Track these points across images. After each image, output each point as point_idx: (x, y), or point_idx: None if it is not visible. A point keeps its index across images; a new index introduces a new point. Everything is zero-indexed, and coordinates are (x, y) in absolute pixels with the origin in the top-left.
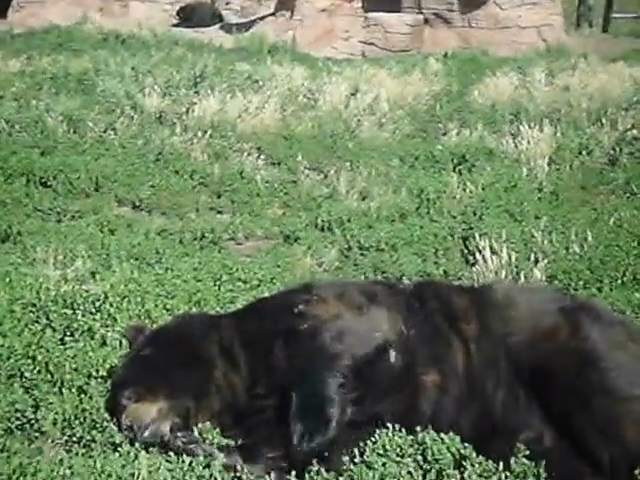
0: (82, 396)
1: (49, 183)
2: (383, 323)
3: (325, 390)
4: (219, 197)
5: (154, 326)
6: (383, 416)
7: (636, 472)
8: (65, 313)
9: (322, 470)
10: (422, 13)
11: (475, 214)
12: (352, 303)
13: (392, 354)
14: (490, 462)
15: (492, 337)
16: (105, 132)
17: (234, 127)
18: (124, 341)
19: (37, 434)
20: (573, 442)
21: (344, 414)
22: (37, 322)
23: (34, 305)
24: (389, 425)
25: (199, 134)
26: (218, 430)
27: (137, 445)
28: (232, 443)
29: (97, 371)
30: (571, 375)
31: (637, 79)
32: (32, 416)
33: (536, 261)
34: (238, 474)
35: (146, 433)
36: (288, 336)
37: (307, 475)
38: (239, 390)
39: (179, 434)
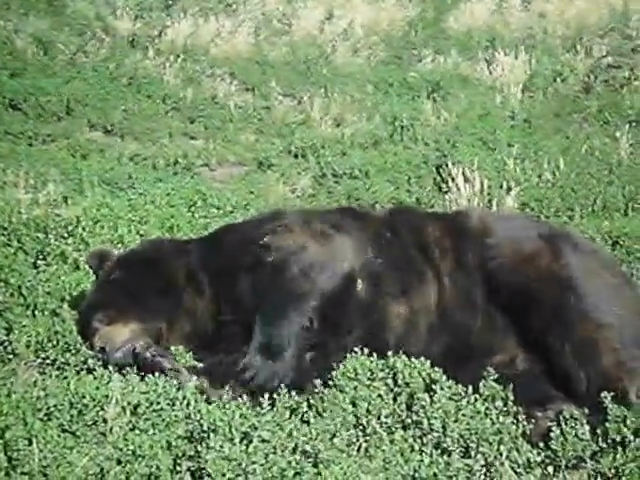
0: (55, 319)
1: (19, 106)
2: (349, 251)
3: (289, 332)
4: (192, 122)
5: (121, 251)
6: (350, 346)
7: (604, 394)
8: (37, 237)
9: (292, 393)
10: None
11: (449, 142)
12: (318, 232)
13: (359, 283)
14: (459, 386)
15: (467, 265)
16: (76, 54)
17: (207, 52)
18: (87, 267)
19: (11, 356)
20: (548, 365)
21: (303, 358)
22: (9, 245)
23: (5, 228)
24: (359, 350)
25: (172, 58)
26: (190, 354)
27: (110, 368)
28: (202, 366)
29: (70, 294)
30: (551, 300)
31: (613, 6)
32: (5, 338)
33: (508, 189)
34: (204, 394)
35: (118, 354)
36: (254, 267)
37: (278, 398)
38: (205, 315)
39: (149, 348)
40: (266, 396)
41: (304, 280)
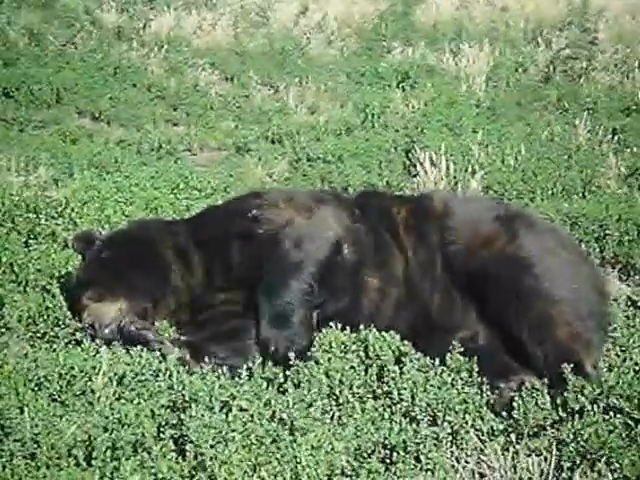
0: (45, 295)
1: (12, 94)
2: (332, 221)
3: (293, 299)
4: (175, 110)
5: (106, 232)
6: (334, 315)
7: (564, 366)
8: (29, 217)
9: (270, 364)
10: None
11: (417, 128)
12: (301, 206)
13: (345, 248)
14: (427, 358)
15: (430, 245)
16: (65, 46)
17: (189, 43)
18: (72, 250)
19: (3, 330)
20: (507, 340)
21: (311, 319)
22: (2, 225)
23: None
24: (333, 324)
25: (155, 49)
26: (174, 328)
27: (98, 341)
28: (184, 339)
29: (60, 272)
30: (508, 279)
31: (572, 1)
32: None
33: (473, 172)
34: (185, 366)
35: (106, 330)
36: (245, 239)
37: (257, 369)
38: (192, 291)
39: (135, 323)
40: (244, 367)
41: (297, 251)
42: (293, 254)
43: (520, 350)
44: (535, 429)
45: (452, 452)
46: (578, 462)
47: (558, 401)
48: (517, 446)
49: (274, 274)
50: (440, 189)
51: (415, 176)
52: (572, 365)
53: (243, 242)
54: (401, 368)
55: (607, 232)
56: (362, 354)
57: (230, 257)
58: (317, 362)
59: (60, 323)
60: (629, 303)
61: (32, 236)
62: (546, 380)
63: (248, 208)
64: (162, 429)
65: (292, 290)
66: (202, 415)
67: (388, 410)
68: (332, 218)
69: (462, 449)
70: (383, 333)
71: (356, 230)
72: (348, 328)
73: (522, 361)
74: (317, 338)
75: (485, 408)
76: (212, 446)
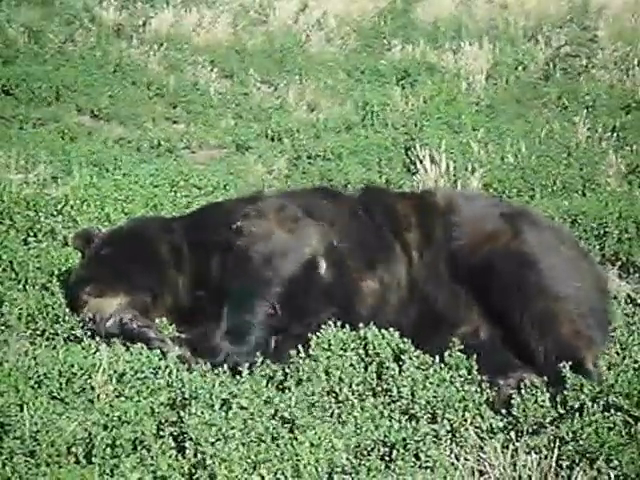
0: (45, 292)
1: (11, 91)
2: (313, 237)
3: (252, 319)
4: (174, 107)
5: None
6: (324, 322)
7: (562, 365)
8: (28, 215)
9: (269, 362)
10: None
11: (416, 126)
12: (287, 218)
13: (322, 266)
14: (427, 355)
15: (434, 241)
16: (65, 43)
17: (189, 40)
18: (72, 247)
19: (3, 328)
20: (509, 336)
21: (267, 342)
22: (1, 223)
23: None
24: (332, 322)
25: (155, 47)
26: (174, 325)
27: (98, 338)
28: (184, 337)
29: (59, 269)
30: (511, 275)
31: None
32: None
33: (473, 170)
34: (186, 364)
35: (108, 324)
36: (224, 249)
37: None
38: (186, 290)
39: (136, 320)
40: (245, 365)
41: (266, 267)
42: (262, 271)
43: (521, 346)
44: (534, 427)
45: (451, 449)
46: (577, 460)
47: (558, 399)
48: (516, 444)
49: (240, 288)
50: (440, 186)
51: (415, 174)
52: (574, 362)
53: (222, 254)
54: (400, 366)
55: (607, 230)
56: (361, 352)
57: (209, 268)
58: (316, 360)
59: (60, 320)
60: (629, 301)
61: (31, 234)
62: (545, 378)
63: (236, 217)
64: (162, 427)
65: (255, 311)
66: (202, 413)
67: (387, 408)
68: (314, 233)
69: (461, 447)
70: (382, 331)
71: (345, 243)
72: (347, 326)
73: (523, 357)
74: (316, 336)
75: (484, 406)
76: (212, 444)
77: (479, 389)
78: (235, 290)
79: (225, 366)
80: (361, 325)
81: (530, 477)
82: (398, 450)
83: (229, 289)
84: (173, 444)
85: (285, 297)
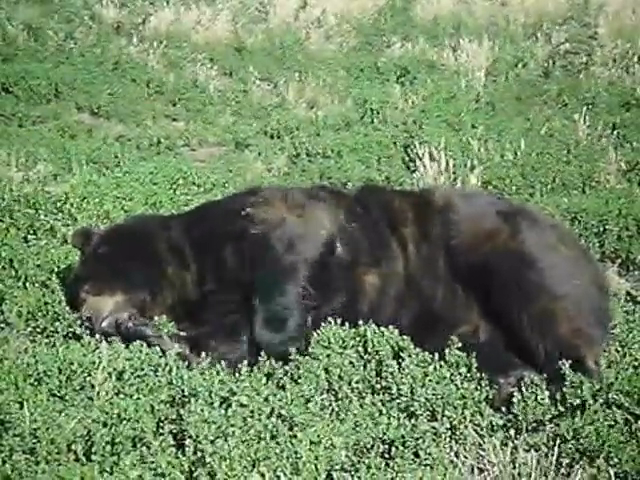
0: (45, 290)
1: (10, 89)
2: (325, 219)
3: (288, 303)
4: (174, 105)
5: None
6: (330, 315)
7: (562, 362)
8: (28, 213)
9: (269, 361)
10: None
11: (416, 123)
12: (295, 204)
13: (338, 246)
14: (426, 353)
15: (432, 240)
16: (64, 41)
17: (188, 38)
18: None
19: (3, 325)
20: (508, 335)
21: (306, 322)
22: (1, 221)
23: None
24: (332, 320)
25: (155, 44)
26: (173, 323)
27: (97, 336)
28: (184, 334)
29: (59, 267)
30: (510, 274)
31: None
32: None
33: (472, 168)
34: (185, 361)
35: (105, 323)
36: (239, 238)
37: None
38: (189, 286)
39: (132, 318)
40: (244, 362)
41: (290, 252)
42: (286, 256)
43: (521, 344)
44: (534, 424)
45: (451, 447)
46: (577, 457)
47: (557, 396)
48: (516, 441)
49: (269, 277)
50: (439, 184)
51: (414, 171)
52: (574, 361)
53: (236, 243)
54: (400, 363)
55: (607, 227)
56: (361, 349)
57: (224, 259)
58: (316, 357)
59: (59, 318)
60: (628, 298)
61: (31, 231)
62: (545, 376)
63: (242, 206)
64: (161, 424)
65: (288, 294)
66: (201, 410)
67: (387, 405)
68: (325, 216)
69: (461, 444)
70: (382, 328)
71: (350, 228)
72: (347, 324)
73: (522, 356)
74: (315, 334)
75: (484, 403)
76: (211, 441)
77: (479, 387)
78: (262, 279)
79: (223, 364)
80: (360, 322)
81: (530, 475)
82: (397, 448)
83: (255, 279)
84: (173, 442)
85: (312, 278)
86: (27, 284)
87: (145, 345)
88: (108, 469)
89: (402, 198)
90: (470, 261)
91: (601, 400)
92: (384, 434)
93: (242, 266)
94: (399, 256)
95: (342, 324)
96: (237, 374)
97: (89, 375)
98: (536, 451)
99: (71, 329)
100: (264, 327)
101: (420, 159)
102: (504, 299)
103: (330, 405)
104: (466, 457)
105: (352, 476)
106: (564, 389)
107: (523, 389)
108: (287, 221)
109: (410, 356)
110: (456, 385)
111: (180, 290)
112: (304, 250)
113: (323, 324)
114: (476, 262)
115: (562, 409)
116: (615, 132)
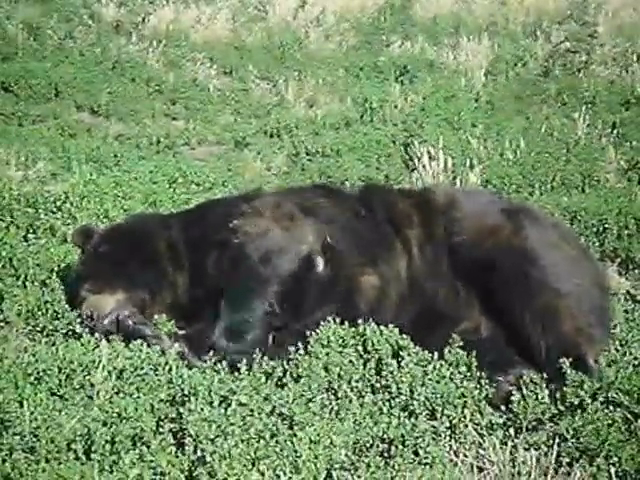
0: (44, 289)
1: (10, 88)
2: (309, 234)
3: (251, 317)
4: (174, 104)
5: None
6: (322, 319)
7: (563, 360)
8: (28, 212)
9: (268, 359)
10: None
11: (415, 122)
12: (284, 216)
13: (319, 263)
14: (426, 352)
15: (434, 238)
16: (64, 40)
17: (187, 37)
18: (71, 244)
19: (2, 324)
20: (510, 331)
21: (266, 339)
22: (1, 220)
23: None
24: (331, 319)
25: (154, 43)
26: (172, 322)
27: (97, 335)
28: (181, 332)
29: (58, 266)
30: (513, 271)
31: None
32: None
33: (472, 166)
34: (183, 360)
35: (105, 321)
36: (221, 247)
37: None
38: (184, 286)
39: (132, 316)
40: (244, 362)
41: (264, 265)
42: (259, 270)
43: (522, 341)
44: (534, 423)
45: (451, 446)
46: (577, 456)
47: (557, 395)
48: (516, 440)
49: (238, 287)
50: (440, 183)
51: (414, 170)
52: (575, 359)
53: (218, 252)
54: (399, 362)
55: (606, 226)
56: (360, 348)
57: (206, 266)
58: (315, 356)
59: (59, 317)
60: (628, 297)
61: (31, 230)
62: (545, 374)
63: (232, 215)
64: (161, 423)
65: (253, 309)
66: (201, 409)
67: (387, 404)
68: (311, 230)
69: (461, 443)
70: (381, 327)
71: (343, 239)
72: (346, 323)
73: (523, 354)
74: (315, 333)
75: (484, 402)
76: (211, 440)
77: (478, 386)
78: (232, 288)
79: (224, 363)
80: (360, 321)
81: (529, 473)
82: (397, 446)
83: (226, 287)
84: (172, 440)
85: (283, 295)
86: (27, 283)
87: (145, 344)
88: (108, 468)
89: (405, 199)
90: (473, 257)
91: (601, 399)
92: (384, 433)
93: (220, 275)
94: (402, 257)
95: (342, 322)
96: (237, 373)
97: (89, 374)
98: (536, 450)
99: (71, 328)
100: (222, 334)
101: (420, 158)
102: (506, 295)
103: (330, 404)
104: (466, 456)
105: (352, 475)
106: (564, 388)
107: (523, 388)
108: (270, 233)
109: (410, 355)
110: (456, 384)
111: (178, 289)
112: (279, 264)
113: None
114: (479, 258)
115: (562, 408)
116: (615, 131)
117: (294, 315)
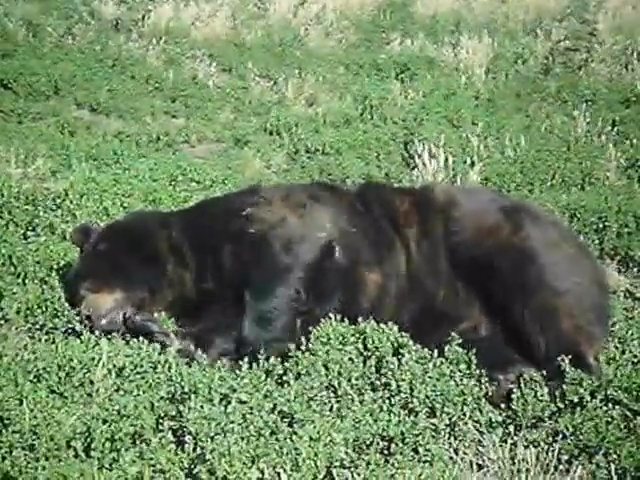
0: (44, 287)
1: (10, 85)
2: (326, 222)
3: (278, 305)
4: (173, 102)
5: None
6: (329, 313)
7: (562, 358)
8: (27, 209)
9: (269, 358)
10: None
11: (415, 120)
12: (296, 204)
13: (337, 250)
14: (426, 350)
15: (433, 237)
16: (63, 37)
17: (187, 34)
18: (70, 242)
19: (2, 322)
20: (509, 330)
21: (294, 325)
22: (0, 217)
23: None
24: (332, 316)
25: (154, 41)
26: (173, 320)
27: (97, 333)
28: (185, 330)
29: (58, 264)
30: (512, 270)
31: None
32: None
33: (472, 164)
34: (190, 357)
35: (103, 321)
36: (237, 238)
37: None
38: (187, 284)
39: (137, 314)
40: (245, 359)
41: (286, 253)
42: (282, 257)
43: (522, 339)
44: (533, 421)
45: (450, 444)
46: (576, 454)
47: (556, 393)
48: (515, 438)
49: (262, 277)
50: (439, 181)
51: (414, 168)
52: (574, 357)
53: (235, 244)
54: (400, 360)
55: (606, 224)
56: (360, 346)
57: (221, 260)
58: (315, 354)
59: (59, 314)
60: (628, 295)
61: (31, 228)
62: (545, 372)
63: (242, 206)
64: (161, 421)
65: (279, 296)
66: (201, 407)
67: (387, 402)
68: (326, 218)
69: (460, 441)
70: (381, 325)
71: (352, 229)
72: (349, 320)
73: (522, 352)
74: (314, 331)
75: (483, 400)
76: (211, 438)
77: (478, 383)
78: (256, 278)
79: (224, 361)
80: (360, 319)
81: (529, 471)
82: (397, 444)
83: (250, 277)
84: (172, 438)
85: (306, 281)
86: (26, 281)
87: (145, 342)
88: (107, 465)
89: (404, 196)
90: (472, 256)
91: (600, 397)
92: (384, 431)
93: (240, 266)
94: (401, 255)
95: (342, 320)
96: (237, 371)
97: (89, 372)
98: (535, 447)
99: (70, 325)
100: (252, 325)
101: (419, 156)
102: (506, 294)
103: (330, 402)
104: (465, 453)
105: (352, 472)
106: (563, 386)
107: (522, 386)
108: (287, 221)
109: (410, 353)
110: (456, 382)
111: (179, 288)
112: (301, 252)
113: (314, 326)
114: (478, 257)
115: (561, 405)
116: (615, 129)
117: (317, 301)
